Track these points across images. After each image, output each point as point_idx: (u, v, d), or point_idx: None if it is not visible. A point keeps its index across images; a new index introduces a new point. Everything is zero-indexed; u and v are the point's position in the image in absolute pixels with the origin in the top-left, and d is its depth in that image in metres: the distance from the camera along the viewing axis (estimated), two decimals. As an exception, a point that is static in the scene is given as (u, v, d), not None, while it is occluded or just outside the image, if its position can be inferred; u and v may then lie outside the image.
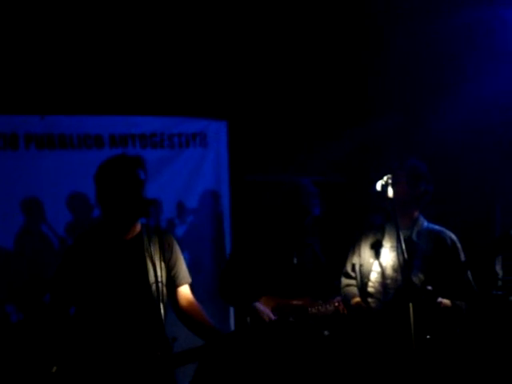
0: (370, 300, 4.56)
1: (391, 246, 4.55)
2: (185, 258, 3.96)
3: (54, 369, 3.74)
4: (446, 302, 4.34)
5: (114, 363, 3.55)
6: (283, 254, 4.82)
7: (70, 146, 5.97)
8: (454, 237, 4.55)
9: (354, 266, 4.72)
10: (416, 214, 4.60)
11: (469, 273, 4.48)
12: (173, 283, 3.82)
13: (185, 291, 3.86)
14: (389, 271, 4.52)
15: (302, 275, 4.83)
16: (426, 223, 4.61)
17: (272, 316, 4.67)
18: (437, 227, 4.60)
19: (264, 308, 4.69)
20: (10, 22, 5.64)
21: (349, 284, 4.75)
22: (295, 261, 4.84)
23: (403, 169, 4.52)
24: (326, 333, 4.81)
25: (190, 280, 3.90)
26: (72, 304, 3.74)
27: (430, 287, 4.17)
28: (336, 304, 4.78)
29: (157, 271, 3.59)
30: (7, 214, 5.71)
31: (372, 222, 4.80)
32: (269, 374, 4.56)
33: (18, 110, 5.80)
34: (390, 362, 4.36)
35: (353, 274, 4.73)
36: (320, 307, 4.79)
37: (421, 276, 4.35)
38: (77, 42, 5.85)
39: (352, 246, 4.79)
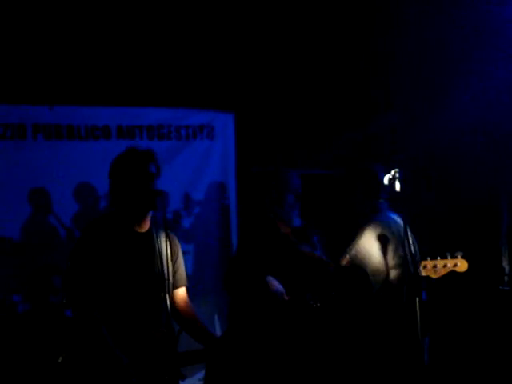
0: None
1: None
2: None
3: (61, 358, 3.77)
4: None
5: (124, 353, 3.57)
6: (288, 248, 4.80)
7: (77, 137, 6.00)
8: None
9: None
10: None
11: None
12: (172, 283, 3.84)
13: (182, 293, 3.92)
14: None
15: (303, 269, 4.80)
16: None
17: (284, 292, 4.61)
18: None
19: (277, 283, 4.58)
20: (20, 12, 5.66)
21: None
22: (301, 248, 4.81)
23: None
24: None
25: (186, 283, 3.94)
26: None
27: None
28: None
29: (168, 267, 3.63)
30: (14, 204, 5.73)
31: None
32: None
33: (27, 100, 5.83)
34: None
35: None
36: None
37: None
38: (86, 33, 5.86)
39: None
